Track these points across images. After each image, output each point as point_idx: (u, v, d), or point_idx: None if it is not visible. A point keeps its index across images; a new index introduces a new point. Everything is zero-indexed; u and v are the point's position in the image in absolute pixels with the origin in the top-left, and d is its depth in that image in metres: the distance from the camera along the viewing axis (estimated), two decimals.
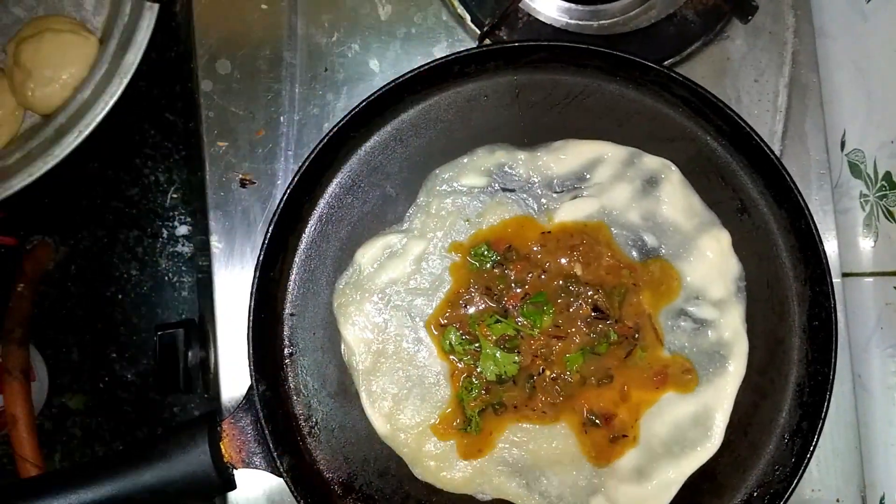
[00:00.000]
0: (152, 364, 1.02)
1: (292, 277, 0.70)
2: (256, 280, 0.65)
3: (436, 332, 0.68)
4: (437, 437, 0.67)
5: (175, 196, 1.05)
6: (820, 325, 0.68)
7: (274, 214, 0.66)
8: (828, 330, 0.67)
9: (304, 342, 0.70)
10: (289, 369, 0.69)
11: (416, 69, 0.66)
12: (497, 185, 0.69)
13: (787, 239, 0.70)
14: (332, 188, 0.71)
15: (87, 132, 0.83)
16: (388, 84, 0.67)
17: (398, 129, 0.71)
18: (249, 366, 0.65)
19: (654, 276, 0.68)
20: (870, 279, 0.80)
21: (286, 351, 0.70)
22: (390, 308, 0.68)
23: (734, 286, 0.69)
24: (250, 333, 0.65)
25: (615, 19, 0.78)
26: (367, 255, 0.68)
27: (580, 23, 0.78)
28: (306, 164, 0.66)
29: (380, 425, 0.67)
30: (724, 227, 0.69)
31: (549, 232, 0.68)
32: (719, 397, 0.69)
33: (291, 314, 0.70)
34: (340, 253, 0.70)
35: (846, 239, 0.81)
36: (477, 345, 0.67)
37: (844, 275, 0.80)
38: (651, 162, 0.70)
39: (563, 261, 0.68)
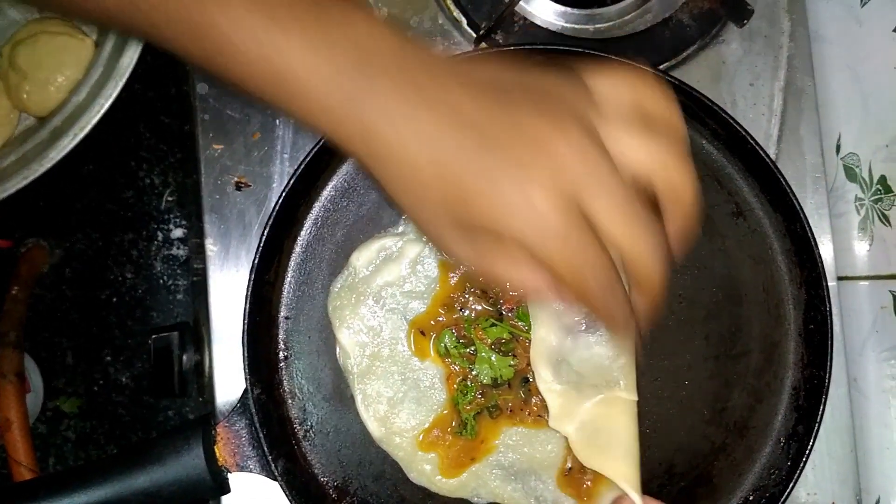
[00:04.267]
0: (147, 367, 1.02)
1: (287, 280, 0.70)
2: (252, 283, 0.65)
3: (412, 338, 0.68)
4: (421, 451, 0.67)
5: (170, 199, 1.04)
6: (815, 328, 0.68)
7: (269, 217, 0.66)
8: (823, 333, 0.67)
9: (300, 345, 0.70)
10: (284, 373, 0.69)
11: None
12: None
13: (782, 243, 0.70)
14: (328, 191, 0.70)
15: (82, 135, 0.82)
16: None
17: None
18: (244, 369, 0.65)
19: None
20: (865, 283, 0.80)
21: (281, 354, 0.69)
22: (385, 311, 0.68)
23: None
24: (245, 337, 0.65)
25: (611, 23, 0.78)
26: (363, 257, 0.68)
27: (576, 26, 0.78)
28: (302, 167, 0.66)
29: (375, 429, 0.67)
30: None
31: None
32: None
33: (286, 317, 0.70)
34: (336, 256, 0.70)
35: (841, 242, 0.81)
36: (472, 348, 0.67)
37: (840, 278, 0.80)
38: None
39: None
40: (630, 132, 0.45)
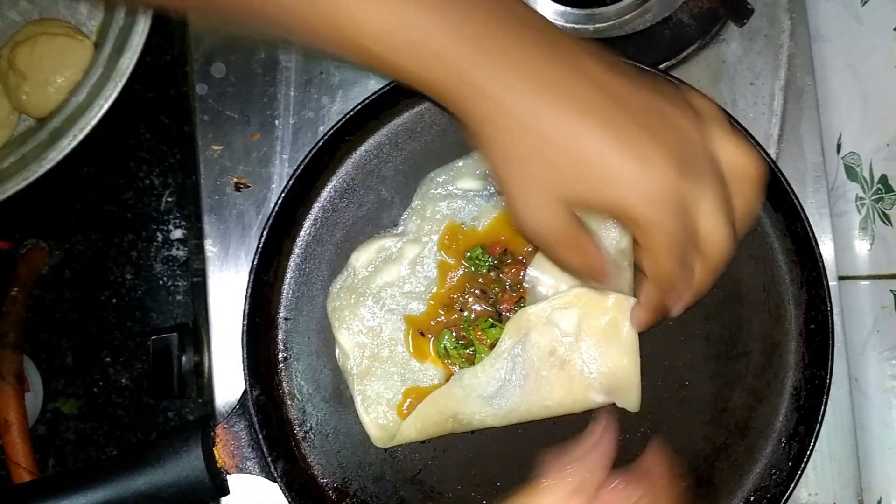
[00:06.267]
0: (146, 368, 1.02)
1: (287, 281, 0.70)
2: (251, 284, 0.65)
3: (412, 339, 0.67)
4: None
5: (170, 200, 1.04)
6: (816, 328, 0.68)
7: (268, 218, 0.66)
8: (824, 333, 0.67)
9: (299, 346, 0.69)
10: (283, 374, 0.69)
11: None
12: (492, 188, 0.69)
13: (783, 242, 0.70)
14: (327, 192, 0.70)
15: (81, 136, 0.82)
16: (384, 87, 0.67)
17: (393, 133, 0.71)
18: (244, 370, 0.65)
19: None
20: (866, 282, 0.80)
21: (280, 355, 0.69)
22: (385, 312, 0.68)
23: None
24: (245, 338, 0.65)
25: (611, 22, 0.78)
26: (362, 258, 0.68)
27: (576, 26, 0.77)
28: (301, 167, 0.66)
29: (374, 430, 0.67)
30: None
31: None
32: None
33: (286, 318, 0.70)
34: (335, 257, 0.70)
35: (842, 242, 0.81)
36: (472, 349, 0.67)
37: (841, 278, 0.79)
38: None
39: None
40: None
